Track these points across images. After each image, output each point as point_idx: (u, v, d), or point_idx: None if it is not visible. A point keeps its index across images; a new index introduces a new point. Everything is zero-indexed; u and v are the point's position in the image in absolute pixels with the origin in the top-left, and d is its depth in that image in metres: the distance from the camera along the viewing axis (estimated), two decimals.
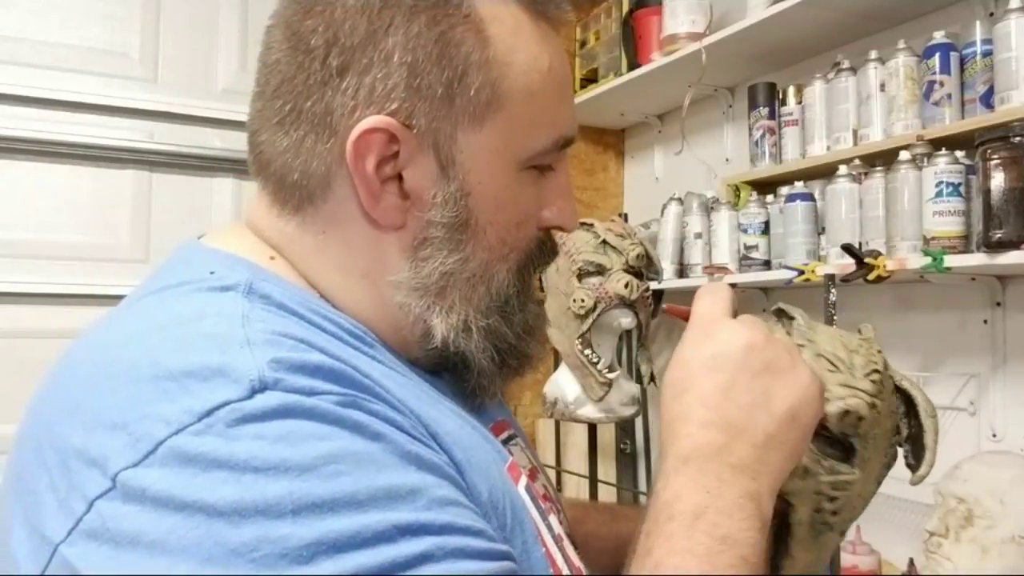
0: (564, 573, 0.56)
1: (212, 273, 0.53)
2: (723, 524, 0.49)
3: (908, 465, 0.65)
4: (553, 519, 0.60)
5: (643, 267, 1.53)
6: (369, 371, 0.49)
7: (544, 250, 0.62)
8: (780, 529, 0.59)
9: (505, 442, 0.65)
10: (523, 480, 0.58)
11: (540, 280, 1.20)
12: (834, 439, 0.60)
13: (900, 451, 0.65)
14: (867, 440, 0.61)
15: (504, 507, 0.52)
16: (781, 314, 0.66)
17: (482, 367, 0.59)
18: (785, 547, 0.60)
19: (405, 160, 0.54)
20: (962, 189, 1.42)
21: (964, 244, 1.42)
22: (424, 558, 0.42)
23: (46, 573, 0.41)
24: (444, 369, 0.60)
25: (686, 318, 0.61)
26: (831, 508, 0.60)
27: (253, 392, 0.42)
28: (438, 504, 0.44)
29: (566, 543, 0.60)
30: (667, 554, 0.48)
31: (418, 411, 0.50)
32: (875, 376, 0.61)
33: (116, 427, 0.42)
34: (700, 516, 0.49)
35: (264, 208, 0.59)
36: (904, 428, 0.65)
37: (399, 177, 0.55)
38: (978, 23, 1.49)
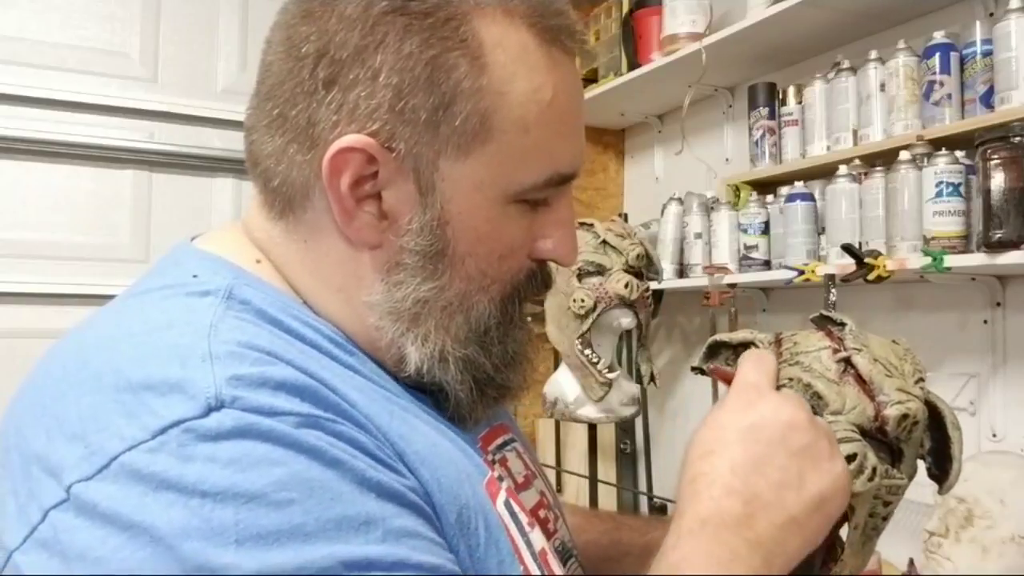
0: None
1: (195, 277, 0.53)
2: None
3: (932, 476, 0.65)
4: (537, 534, 0.57)
5: (643, 267, 1.53)
6: (339, 385, 0.48)
7: (534, 281, 0.59)
8: (829, 535, 0.58)
9: (501, 447, 0.64)
10: (502, 496, 0.56)
11: None
12: (882, 444, 0.60)
13: (921, 463, 0.65)
14: (912, 446, 0.61)
15: (476, 526, 0.51)
16: (823, 320, 0.65)
17: (459, 399, 0.57)
18: (835, 553, 0.59)
19: (384, 181, 0.53)
20: (962, 189, 1.42)
21: (964, 244, 1.42)
22: None
23: None
24: (423, 391, 0.59)
25: (729, 381, 0.59)
26: (884, 513, 0.59)
27: (209, 410, 0.42)
28: (394, 536, 0.44)
29: (551, 557, 0.58)
30: None
31: (387, 429, 0.49)
32: (922, 384, 0.61)
33: (75, 437, 0.43)
34: None
35: (256, 208, 0.59)
36: (927, 440, 0.65)
37: (379, 195, 0.53)
38: (978, 23, 1.49)
